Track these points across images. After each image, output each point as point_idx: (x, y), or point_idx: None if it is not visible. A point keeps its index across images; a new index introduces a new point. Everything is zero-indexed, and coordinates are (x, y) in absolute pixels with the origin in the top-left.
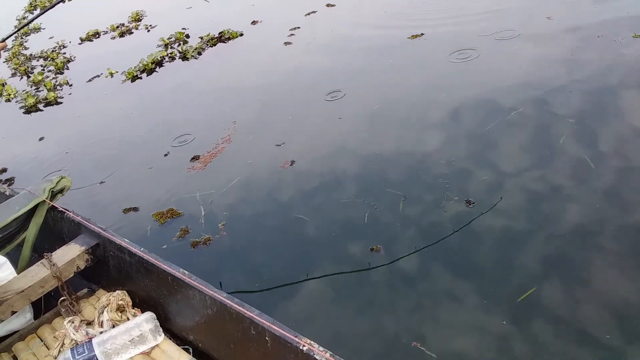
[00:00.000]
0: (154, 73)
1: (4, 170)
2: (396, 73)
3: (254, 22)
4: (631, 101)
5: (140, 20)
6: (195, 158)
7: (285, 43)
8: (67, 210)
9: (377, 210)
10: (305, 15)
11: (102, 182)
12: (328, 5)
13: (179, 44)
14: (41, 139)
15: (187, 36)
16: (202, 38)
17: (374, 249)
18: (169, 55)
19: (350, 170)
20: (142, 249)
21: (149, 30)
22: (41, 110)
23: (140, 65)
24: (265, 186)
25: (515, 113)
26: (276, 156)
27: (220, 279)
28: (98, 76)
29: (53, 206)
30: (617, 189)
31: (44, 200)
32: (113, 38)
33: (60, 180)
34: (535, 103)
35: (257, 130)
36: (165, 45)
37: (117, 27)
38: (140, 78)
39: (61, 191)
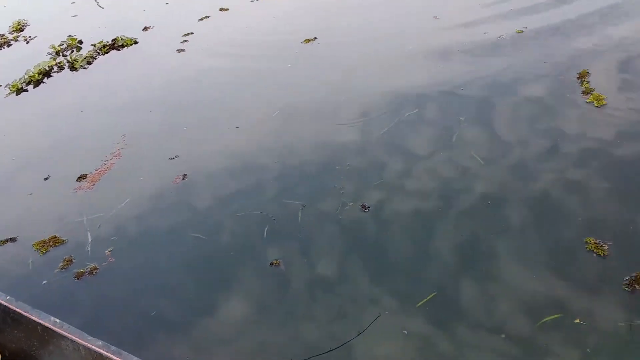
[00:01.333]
0: (42, 84)
1: None
2: (294, 78)
3: (145, 29)
4: None
5: (23, 30)
6: (82, 177)
7: (178, 50)
8: None
9: (276, 221)
10: (199, 21)
11: None
12: (221, 9)
13: (72, 51)
14: None
15: (81, 42)
16: (94, 45)
17: (274, 264)
18: (58, 64)
19: (246, 181)
20: (7, 298)
21: (28, 42)
22: None
23: (26, 76)
24: (158, 205)
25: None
26: (169, 170)
27: (110, 313)
28: None
29: None
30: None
31: None
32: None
33: None
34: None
35: (149, 144)
36: (57, 52)
37: None
38: (27, 90)
39: None
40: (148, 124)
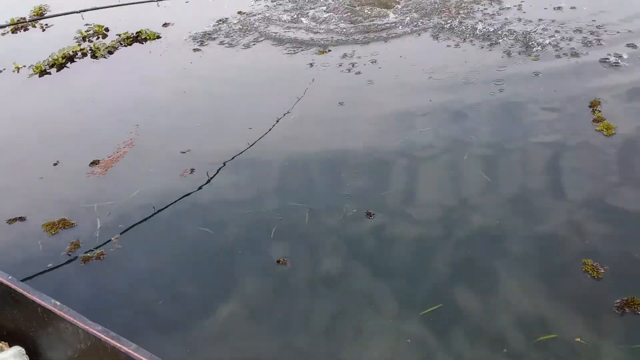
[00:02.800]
0: (65, 68)
1: None
2: (310, 84)
3: (165, 24)
4: None
5: (43, 15)
6: (94, 163)
7: (195, 49)
8: None
9: (282, 221)
10: (217, 22)
11: None
12: (240, 12)
13: (98, 38)
14: None
15: (107, 29)
16: (119, 35)
17: (280, 262)
18: (81, 50)
19: (254, 181)
20: (9, 277)
21: (44, 30)
22: None
23: (50, 59)
24: (167, 196)
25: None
26: (178, 163)
27: (114, 298)
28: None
29: None
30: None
31: None
32: (4, 34)
33: None
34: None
35: (161, 136)
36: (83, 38)
37: (18, 21)
38: (49, 73)
39: None
40: (162, 117)
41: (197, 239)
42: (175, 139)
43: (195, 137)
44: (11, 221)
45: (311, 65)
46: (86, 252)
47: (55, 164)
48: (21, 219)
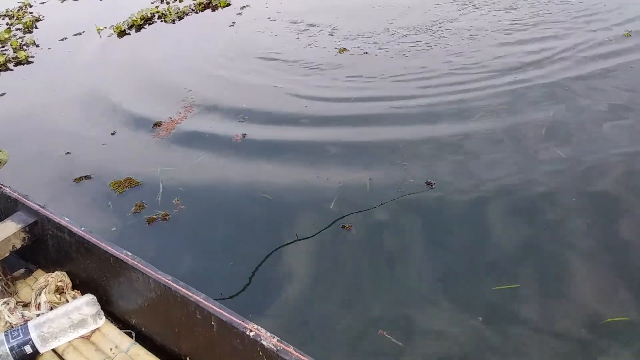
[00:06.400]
0: (142, 29)
1: None
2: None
3: None
4: None
5: None
6: (157, 125)
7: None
8: (4, 186)
9: (343, 188)
10: None
11: (68, 153)
12: None
13: (175, 0)
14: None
15: None
16: (195, 0)
17: (346, 227)
18: (158, 12)
19: (311, 147)
20: (82, 228)
21: (101, 0)
22: (11, 70)
23: (130, 20)
24: (227, 161)
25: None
26: (234, 129)
27: (177, 256)
28: (80, 34)
29: None
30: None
31: None
32: (63, 1)
33: None
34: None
35: (218, 101)
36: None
37: None
38: (129, 34)
39: None
40: (218, 81)
41: (260, 204)
42: (231, 103)
43: (248, 103)
44: (78, 180)
45: None
46: (150, 214)
47: (113, 134)
48: (87, 177)
